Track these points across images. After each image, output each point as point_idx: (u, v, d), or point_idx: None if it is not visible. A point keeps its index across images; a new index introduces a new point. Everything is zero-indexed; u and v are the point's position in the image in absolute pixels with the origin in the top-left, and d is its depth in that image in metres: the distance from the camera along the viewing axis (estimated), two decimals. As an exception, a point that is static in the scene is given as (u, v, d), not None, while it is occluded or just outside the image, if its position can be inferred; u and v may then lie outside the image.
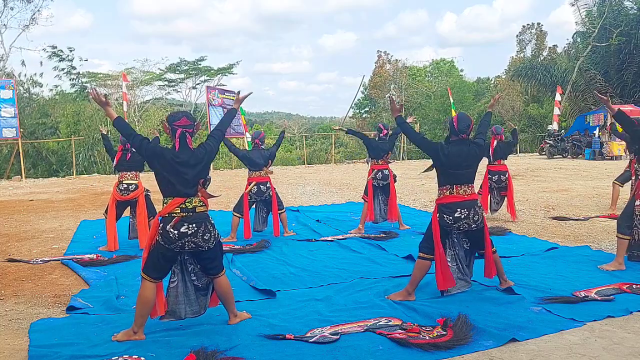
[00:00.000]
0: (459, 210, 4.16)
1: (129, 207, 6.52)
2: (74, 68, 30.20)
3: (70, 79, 30.36)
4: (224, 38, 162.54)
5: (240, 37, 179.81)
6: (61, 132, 22.03)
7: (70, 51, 29.82)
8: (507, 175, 7.68)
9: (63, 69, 29.92)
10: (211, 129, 19.22)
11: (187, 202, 3.56)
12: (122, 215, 6.63)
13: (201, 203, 3.63)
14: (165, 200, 3.59)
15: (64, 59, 29.68)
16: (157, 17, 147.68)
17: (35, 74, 27.41)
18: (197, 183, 3.63)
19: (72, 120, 22.76)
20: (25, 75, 26.77)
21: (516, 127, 8.25)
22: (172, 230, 3.50)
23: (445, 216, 4.19)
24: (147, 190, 6.45)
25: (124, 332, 3.59)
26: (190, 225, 3.52)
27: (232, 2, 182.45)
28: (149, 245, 3.66)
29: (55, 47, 29.23)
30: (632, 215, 4.99)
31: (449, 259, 4.36)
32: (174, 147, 3.60)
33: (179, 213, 3.54)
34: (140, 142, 3.64)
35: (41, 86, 27.11)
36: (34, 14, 26.72)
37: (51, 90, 28.86)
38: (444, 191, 4.25)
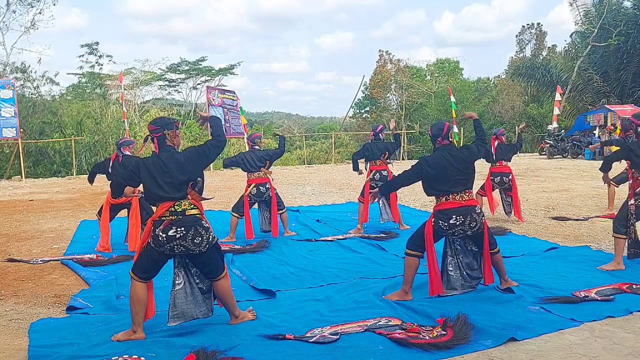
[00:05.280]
0: (454, 216, 4.13)
1: (126, 210, 6.52)
2: (100, 65, 30.79)
3: (87, 77, 30.73)
4: (221, 37, 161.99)
5: (237, 37, 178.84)
6: (66, 132, 22.10)
7: (109, 58, 30.94)
8: (510, 177, 7.65)
9: (89, 62, 30.46)
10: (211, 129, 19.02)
11: (176, 205, 3.56)
12: (119, 217, 6.64)
13: (192, 206, 3.61)
14: (156, 205, 3.60)
15: (94, 53, 30.33)
16: (153, 17, 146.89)
17: (46, 72, 27.75)
18: (182, 185, 3.59)
19: (77, 120, 22.79)
20: (35, 72, 26.82)
21: (521, 133, 8.20)
22: (160, 233, 3.51)
23: (440, 222, 4.18)
24: (142, 193, 6.43)
25: (124, 332, 3.60)
26: (179, 229, 3.51)
27: (229, 1, 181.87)
28: (141, 246, 3.67)
29: (94, 44, 30.23)
30: (627, 215, 5.02)
31: (451, 268, 4.35)
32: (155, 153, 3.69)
33: (168, 216, 3.53)
34: (126, 175, 3.76)
35: (53, 83, 27.31)
36: (34, 17, 26.84)
37: (66, 89, 29.31)
38: (441, 198, 4.23)
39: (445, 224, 4.15)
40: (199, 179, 3.71)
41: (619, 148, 5.68)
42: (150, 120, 3.85)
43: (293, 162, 24.61)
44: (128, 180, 3.79)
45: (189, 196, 3.63)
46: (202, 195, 3.77)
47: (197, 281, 3.75)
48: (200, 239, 3.57)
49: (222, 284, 3.75)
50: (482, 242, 4.27)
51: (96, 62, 31.04)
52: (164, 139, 3.68)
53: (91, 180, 6.78)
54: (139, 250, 3.68)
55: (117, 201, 6.32)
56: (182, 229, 3.52)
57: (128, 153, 6.39)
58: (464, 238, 4.32)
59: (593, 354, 3.24)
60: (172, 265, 3.75)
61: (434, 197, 4.35)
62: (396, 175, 4.56)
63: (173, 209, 3.55)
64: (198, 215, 3.62)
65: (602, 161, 5.57)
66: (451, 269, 4.36)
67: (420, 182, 4.38)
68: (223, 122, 21.14)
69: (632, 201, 5.00)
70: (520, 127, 8.28)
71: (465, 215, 4.14)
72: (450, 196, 4.18)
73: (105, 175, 6.50)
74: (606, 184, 8.10)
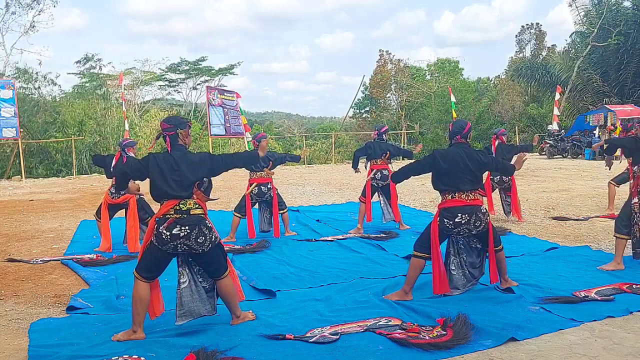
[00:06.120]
0: (459, 215, 4.13)
1: (123, 210, 6.52)
2: (100, 67, 30.99)
3: (87, 77, 30.83)
4: (221, 37, 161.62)
5: (237, 37, 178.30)
6: (68, 132, 22.17)
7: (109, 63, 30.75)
8: (509, 177, 7.66)
9: (87, 66, 30.61)
10: (211, 129, 19.04)
11: (182, 203, 3.57)
12: (118, 217, 6.64)
13: (197, 205, 3.63)
14: (161, 202, 3.61)
15: (89, 60, 30.46)
16: (153, 17, 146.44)
17: (50, 73, 28.15)
18: (190, 185, 3.61)
19: (78, 120, 22.84)
20: (37, 73, 26.84)
21: (534, 144, 8.72)
22: (164, 231, 3.51)
23: (445, 220, 4.17)
24: (140, 194, 6.44)
25: (124, 332, 3.60)
26: (183, 228, 3.52)
27: (229, 1, 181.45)
28: (144, 245, 3.68)
29: (90, 55, 30.61)
30: (629, 214, 5.01)
31: (453, 267, 4.35)
32: (167, 150, 3.72)
33: (172, 215, 3.55)
34: (134, 166, 3.78)
35: (54, 84, 27.38)
36: (33, 18, 26.89)
37: (69, 90, 29.40)
38: (446, 195, 4.23)
39: (451, 222, 4.15)
40: (204, 179, 3.72)
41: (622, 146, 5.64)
42: (162, 119, 3.88)
43: (293, 162, 24.59)
44: (135, 172, 3.78)
45: (194, 196, 3.64)
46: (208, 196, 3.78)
47: (200, 280, 3.76)
48: (203, 238, 3.58)
49: (225, 283, 3.76)
50: (487, 240, 4.28)
51: (96, 65, 31.27)
52: (176, 137, 3.70)
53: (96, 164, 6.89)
54: (142, 249, 3.69)
55: (115, 201, 6.33)
56: (187, 227, 3.53)
57: (132, 154, 6.37)
58: (468, 237, 4.33)
59: (593, 354, 3.25)
60: (172, 265, 3.76)
61: (437, 197, 4.34)
62: (409, 163, 4.56)
63: (178, 208, 3.56)
64: (202, 215, 3.64)
65: (604, 155, 5.59)
66: (454, 267, 4.36)
67: (419, 184, 4.38)
68: (223, 122, 20.95)
69: (635, 200, 4.99)
70: (535, 140, 8.72)
71: (471, 214, 4.14)
72: (457, 194, 4.18)
73: (105, 174, 6.52)
74: (607, 184, 8.15)
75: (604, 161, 5.87)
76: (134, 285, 3.63)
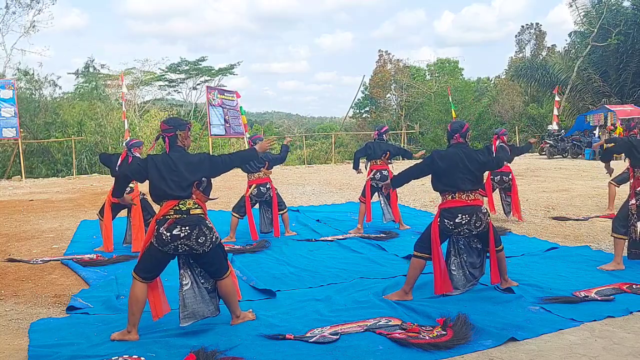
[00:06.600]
0: (460, 215, 4.13)
1: (126, 210, 6.52)
2: (95, 68, 31.00)
3: (85, 77, 30.85)
4: (221, 37, 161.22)
5: (237, 37, 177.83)
6: (69, 132, 22.20)
7: (101, 64, 30.95)
8: (510, 176, 7.66)
9: (85, 70, 30.64)
10: (211, 129, 18.96)
11: (181, 204, 3.57)
12: (118, 217, 6.64)
13: (196, 205, 3.63)
14: (161, 203, 3.61)
15: (88, 67, 30.58)
16: (153, 17, 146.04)
17: (52, 74, 28.12)
18: (189, 185, 3.61)
19: (77, 120, 22.86)
20: (39, 74, 26.85)
21: (530, 144, 8.92)
22: (165, 232, 3.51)
23: (446, 221, 4.17)
24: (143, 194, 6.44)
25: (120, 332, 3.61)
26: (184, 228, 3.52)
27: (229, 1, 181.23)
28: (144, 245, 3.68)
29: (88, 63, 30.69)
30: (626, 215, 5.02)
31: (454, 267, 4.35)
32: (165, 151, 3.73)
33: (172, 215, 3.55)
34: (135, 168, 3.81)
35: (55, 85, 27.44)
36: (33, 18, 26.90)
37: (70, 90, 29.45)
38: (447, 196, 4.23)
39: (451, 223, 4.15)
40: (203, 179, 3.72)
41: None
42: (163, 120, 3.90)
43: (293, 162, 24.57)
44: (135, 174, 3.81)
45: (193, 196, 3.64)
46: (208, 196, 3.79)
47: (202, 281, 3.76)
48: (204, 238, 3.58)
49: (226, 284, 3.76)
50: (488, 240, 4.28)
51: (95, 69, 31.37)
52: (175, 139, 3.71)
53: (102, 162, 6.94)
54: (142, 250, 3.69)
55: (118, 200, 6.33)
56: (187, 227, 3.53)
57: (138, 155, 6.37)
58: (469, 237, 4.33)
59: (593, 354, 3.25)
60: (172, 265, 3.76)
61: (437, 197, 4.33)
62: (408, 167, 4.56)
63: (177, 208, 3.56)
64: (202, 215, 3.64)
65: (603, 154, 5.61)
66: (454, 268, 4.36)
67: (419, 184, 4.39)
68: (223, 122, 20.90)
69: (633, 201, 5.00)
70: (531, 141, 8.85)
71: (471, 214, 4.14)
72: (457, 194, 4.18)
73: (110, 173, 6.53)
74: (607, 184, 8.16)
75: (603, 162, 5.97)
76: (131, 286, 3.64)
